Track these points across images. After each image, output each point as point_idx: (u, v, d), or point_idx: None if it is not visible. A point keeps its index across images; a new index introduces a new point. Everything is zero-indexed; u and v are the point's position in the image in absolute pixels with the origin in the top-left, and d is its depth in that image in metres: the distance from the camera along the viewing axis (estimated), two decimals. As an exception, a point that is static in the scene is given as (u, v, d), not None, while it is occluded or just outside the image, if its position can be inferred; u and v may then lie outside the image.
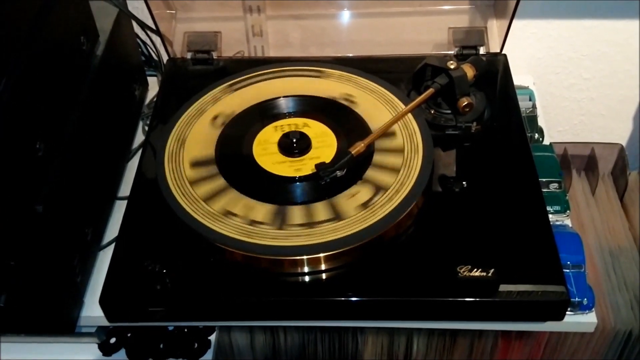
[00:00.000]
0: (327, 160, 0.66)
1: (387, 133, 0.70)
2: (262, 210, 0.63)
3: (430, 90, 0.71)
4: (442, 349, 0.86)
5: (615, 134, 1.05)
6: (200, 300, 0.60)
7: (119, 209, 0.75)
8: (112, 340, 0.76)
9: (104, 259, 0.71)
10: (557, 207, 0.73)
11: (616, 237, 0.90)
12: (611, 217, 0.93)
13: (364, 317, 0.62)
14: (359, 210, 0.62)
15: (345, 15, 0.84)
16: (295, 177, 0.66)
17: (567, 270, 0.67)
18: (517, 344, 0.85)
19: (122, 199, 0.76)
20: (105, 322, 0.63)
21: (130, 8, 0.85)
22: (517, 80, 0.80)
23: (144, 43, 0.91)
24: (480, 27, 0.82)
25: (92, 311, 0.67)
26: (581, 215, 0.92)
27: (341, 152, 0.67)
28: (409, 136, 0.69)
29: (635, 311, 0.83)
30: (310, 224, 0.61)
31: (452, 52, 0.81)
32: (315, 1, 0.83)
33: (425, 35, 0.82)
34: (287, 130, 0.71)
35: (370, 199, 0.63)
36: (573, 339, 0.85)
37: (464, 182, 0.66)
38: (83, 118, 0.66)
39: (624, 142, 1.04)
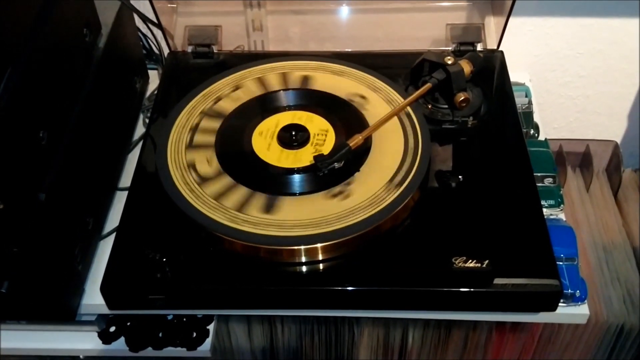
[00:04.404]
0: (326, 153, 0.67)
1: (384, 127, 0.71)
2: (261, 201, 0.64)
3: (428, 85, 0.73)
4: (437, 341, 0.87)
5: (610, 131, 1.06)
6: (199, 288, 0.61)
7: (120, 200, 0.76)
8: (112, 328, 0.77)
9: (104, 249, 0.71)
10: (552, 202, 0.74)
11: (610, 233, 0.91)
12: (605, 213, 0.94)
13: (360, 307, 0.63)
14: (356, 202, 0.63)
15: (345, 11, 0.85)
16: (294, 168, 0.67)
17: (560, 263, 0.68)
18: (511, 336, 0.86)
19: (122, 189, 0.77)
20: (105, 310, 0.64)
21: (132, 1, 0.85)
22: (513, 77, 0.81)
23: (145, 36, 0.91)
24: (478, 23, 0.83)
25: (93, 299, 0.67)
26: (575, 211, 0.93)
27: (339, 145, 0.68)
28: (407, 130, 0.70)
29: (628, 305, 0.84)
30: (308, 215, 0.62)
31: (450, 48, 0.82)
32: (315, -4, 0.84)
33: (423, 31, 0.83)
34: (286, 123, 0.72)
35: (368, 191, 0.64)
36: (566, 332, 0.86)
37: (460, 176, 0.67)
38: (85, 109, 0.67)
39: (618, 140, 1.05)
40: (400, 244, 0.62)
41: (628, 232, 0.91)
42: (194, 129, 0.72)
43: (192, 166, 0.68)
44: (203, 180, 0.66)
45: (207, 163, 0.68)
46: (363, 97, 0.75)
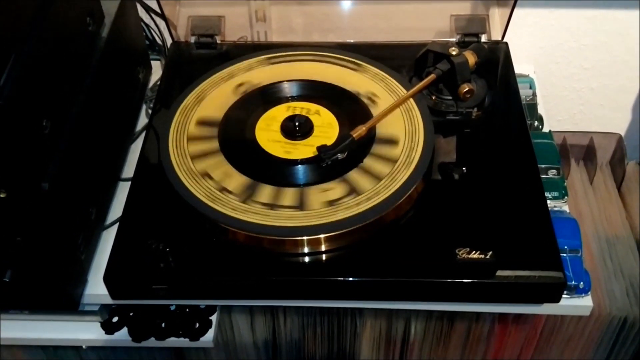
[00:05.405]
0: (329, 144, 0.67)
1: (388, 117, 0.70)
2: (264, 192, 0.64)
3: (432, 76, 0.72)
4: (440, 333, 0.87)
5: (614, 124, 1.05)
6: (202, 278, 0.61)
7: (122, 191, 0.76)
8: (115, 319, 0.77)
9: (107, 239, 0.71)
10: (556, 193, 0.74)
11: (613, 226, 0.91)
12: (608, 206, 0.93)
13: (363, 298, 0.63)
14: (360, 192, 0.63)
15: (348, 2, 0.85)
16: (297, 159, 0.67)
17: (564, 255, 0.68)
18: (514, 329, 0.86)
19: (125, 180, 0.77)
20: (108, 300, 0.64)
21: (135, -9, 0.85)
22: (517, 69, 0.80)
23: (148, 26, 0.91)
24: (482, 15, 0.83)
25: (96, 289, 0.67)
26: (579, 204, 0.93)
27: (343, 136, 0.68)
28: (411, 121, 0.70)
29: (631, 298, 0.84)
30: (310, 206, 0.62)
31: (454, 39, 0.82)
32: (318, -13, 0.84)
33: (427, 22, 0.83)
34: (290, 113, 0.72)
35: (371, 182, 0.64)
36: (569, 325, 0.86)
37: (463, 168, 0.67)
38: (88, 98, 0.67)
39: (622, 132, 1.05)
40: (403, 235, 0.62)
41: (631, 224, 0.91)
42: (197, 120, 0.71)
43: (194, 157, 0.67)
44: (206, 170, 0.66)
45: (210, 154, 0.68)
46: (367, 88, 0.74)
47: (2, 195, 0.54)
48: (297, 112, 0.72)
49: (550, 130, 0.82)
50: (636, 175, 0.96)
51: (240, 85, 0.76)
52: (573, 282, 0.66)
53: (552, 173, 0.75)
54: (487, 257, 0.60)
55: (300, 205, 0.63)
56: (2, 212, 0.55)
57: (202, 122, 0.71)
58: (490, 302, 0.63)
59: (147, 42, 0.91)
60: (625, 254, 0.88)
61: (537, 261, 0.60)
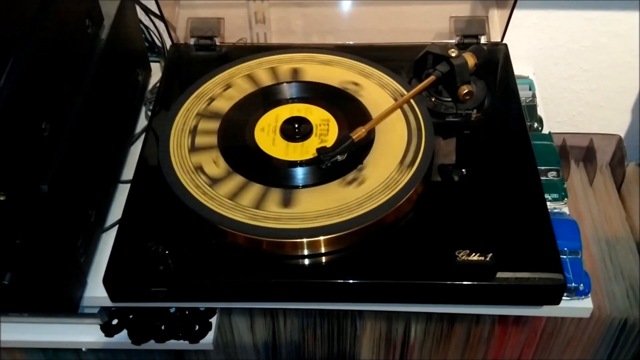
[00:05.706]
0: (329, 145, 0.67)
1: (388, 119, 0.70)
2: (264, 194, 0.64)
3: (431, 78, 0.72)
4: (440, 335, 0.87)
5: (613, 125, 1.05)
6: (201, 281, 0.61)
7: (122, 193, 0.76)
8: (114, 321, 0.77)
9: (106, 241, 0.71)
10: (555, 195, 0.74)
11: (613, 227, 0.91)
12: (608, 207, 0.93)
13: (363, 300, 0.62)
14: (359, 194, 0.63)
15: (348, 3, 0.85)
16: (297, 161, 0.67)
17: (564, 256, 0.68)
18: (514, 331, 0.86)
19: (125, 182, 0.77)
20: (108, 303, 0.64)
21: (134, -7, 0.85)
22: (517, 70, 0.81)
23: (148, 28, 0.91)
24: (482, 16, 0.83)
25: (95, 292, 0.67)
26: (579, 205, 0.93)
27: (342, 137, 0.67)
28: (410, 123, 0.70)
29: (631, 300, 0.84)
30: (309, 208, 0.62)
31: (454, 40, 0.82)
32: (318, -12, 0.84)
33: (427, 23, 0.83)
34: (289, 115, 0.71)
35: (371, 184, 0.64)
36: (569, 327, 0.86)
37: (463, 169, 0.67)
38: (87, 101, 0.67)
39: (622, 134, 1.05)
40: (403, 237, 0.62)
41: (631, 226, 0.91)
42: (196, 122, 0.71)
43: (194, 159, 0.67)
44: (204, 172, 0.66)
45: (209, 155, 0.68)
46: (366, 90, 0.74)
47: (1, 198, 0.54)
48: (297, 113, 0.72)
49: (549, 132, 0.82)
50: (636, 177, 0.96)
51: (238, 87, 0.76)
52: (573, 284, 0.66)
53: (551, 174, 0.75)
54: (487, 259, 0.59)
55: (299, 208, 0.62)
56: (2, 215, 0.55)
57: (201, 124, 0.71)
58: (490, 304, 0.63)
59: (146, 44, 0.91)
60: (625, 256, 0.88)
61: (537, 263, 0.60)
